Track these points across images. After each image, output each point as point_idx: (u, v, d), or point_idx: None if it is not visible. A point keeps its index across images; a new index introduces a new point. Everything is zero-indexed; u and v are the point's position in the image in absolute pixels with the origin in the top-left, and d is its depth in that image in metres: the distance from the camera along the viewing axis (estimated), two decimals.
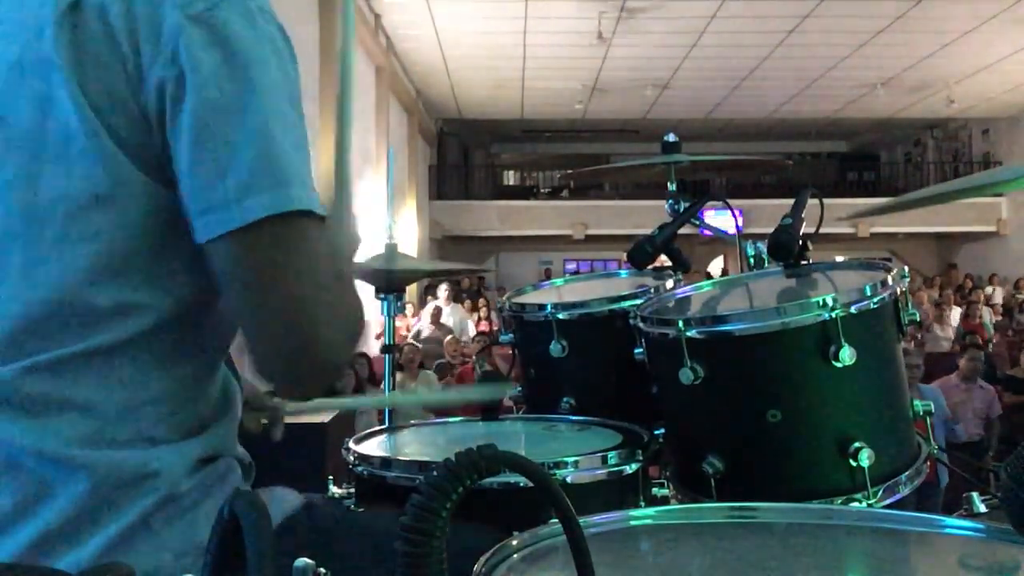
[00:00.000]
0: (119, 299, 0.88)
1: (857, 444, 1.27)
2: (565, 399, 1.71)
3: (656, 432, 1.48)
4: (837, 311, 1.26)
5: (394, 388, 2.23)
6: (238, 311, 0.89)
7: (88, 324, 0.87)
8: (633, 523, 0.96)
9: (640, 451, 1.36)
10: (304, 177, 0.88)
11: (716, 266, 16.85)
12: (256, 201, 0.84)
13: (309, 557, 0.71)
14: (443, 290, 10.89)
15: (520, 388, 1.86)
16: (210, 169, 0.84)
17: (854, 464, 1.27)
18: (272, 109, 0.87)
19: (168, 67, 0.84)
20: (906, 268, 1.45)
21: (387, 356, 2.26)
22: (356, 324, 0.96)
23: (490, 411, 1.70)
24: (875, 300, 1.32)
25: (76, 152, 0.85)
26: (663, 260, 1.86)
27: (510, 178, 22.30)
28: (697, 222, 1.93)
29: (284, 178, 0.85)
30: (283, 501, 1.05)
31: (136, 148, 0.86)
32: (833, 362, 1.26)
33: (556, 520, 0.64)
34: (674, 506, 1.35)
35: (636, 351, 1.49)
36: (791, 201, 1.63)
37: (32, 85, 0.86)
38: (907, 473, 1.34)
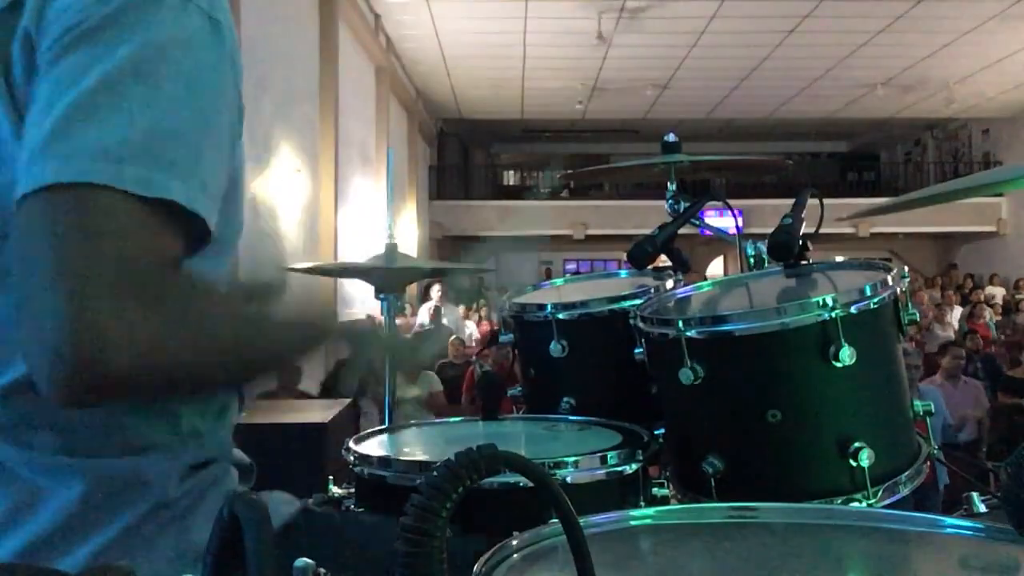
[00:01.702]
0: None
1: (857, 444, 1.27)
2: (565, 399, 1.71)
3: (656, 432, 1.47)
4: (837, 311, 1.26)
5: (395, 389, 2.23)
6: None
7: None
8: (633, 523, 0.96)
9: (640, 451, 1.36)
10: (108, 148, 0.75)
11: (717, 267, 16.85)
12: (49, 166, 0.74)
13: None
14: (436, 291, 10.72)
15: (520, 388, 1.86)
16: (32, 120, 0.78)
17: (854, 464, 1.27)
18: (115, 69, 0.78)
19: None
20: (906, 268, 1.45)
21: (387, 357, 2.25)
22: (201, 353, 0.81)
23: (490, 411, 1.70)
24: (875, 300, 1.31)
25: (7, 157, 0.81)
26: (663, 260, 1.86)
27: (510, 178, 22.29)
28: (697, 222, 1.93)
29: (80, 146, 0.75)
30: (280, 506, 1.04)
31: None
32: (833, 362, 1.26)
33: (556, 520, 0.64)
34: (674, 506, 1.35)
35: (636, 351, 1.49)
36: (791, 201, 1.63)
37: None
38: (907, 473, 1.34)
